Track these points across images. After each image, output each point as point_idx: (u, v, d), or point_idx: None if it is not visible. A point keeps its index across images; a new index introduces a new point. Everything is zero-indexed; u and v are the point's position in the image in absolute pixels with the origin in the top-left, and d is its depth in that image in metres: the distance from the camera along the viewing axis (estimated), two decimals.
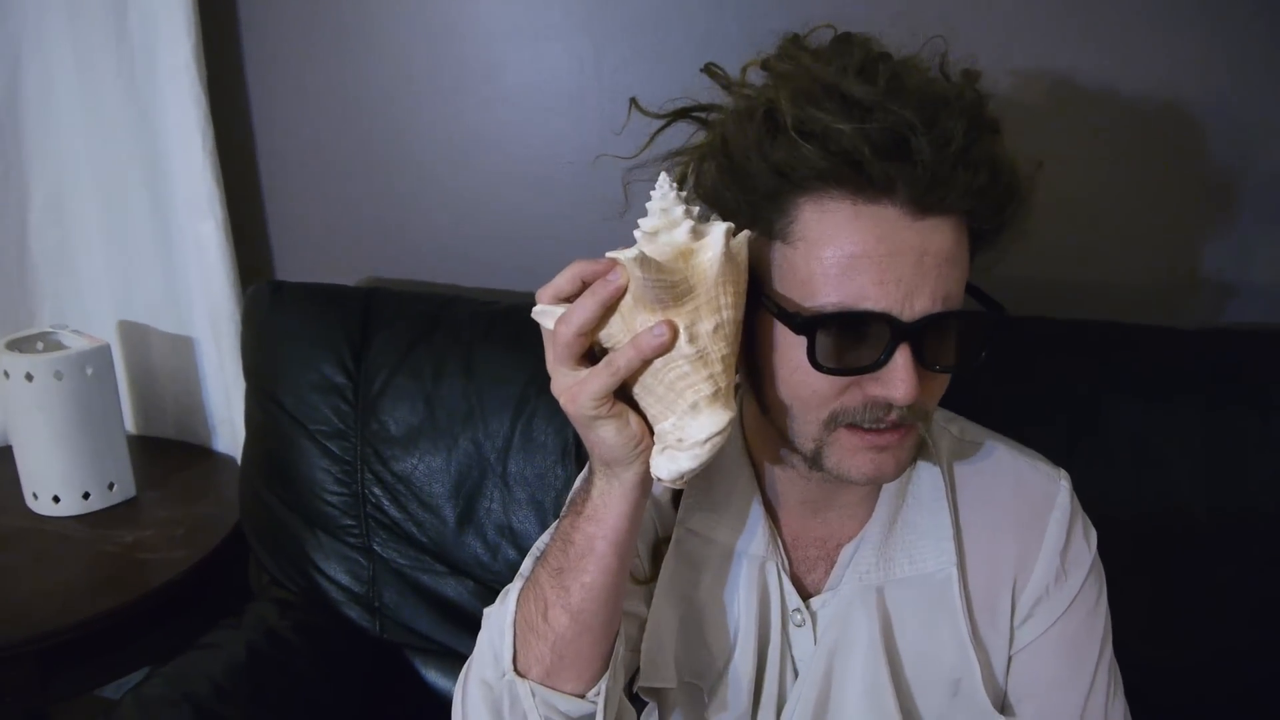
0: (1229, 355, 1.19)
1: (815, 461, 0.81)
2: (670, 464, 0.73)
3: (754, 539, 0.91)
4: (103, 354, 1.49)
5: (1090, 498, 0.92)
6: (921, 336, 0.74)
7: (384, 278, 1.60)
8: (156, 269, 1.65)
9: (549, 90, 1.45)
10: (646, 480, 0.77)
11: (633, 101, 0.89)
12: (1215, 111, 1.24)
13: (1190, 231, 1.30)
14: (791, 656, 0.92)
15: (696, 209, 0.74)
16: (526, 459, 1.31)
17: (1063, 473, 0.92)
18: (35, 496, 1.51)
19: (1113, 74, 1.25)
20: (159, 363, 1.73)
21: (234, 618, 1.34)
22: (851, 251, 0.73)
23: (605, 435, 0.74)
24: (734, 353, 0.74)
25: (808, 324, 0.74)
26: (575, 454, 1.29)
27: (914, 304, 0.73)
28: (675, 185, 0.74)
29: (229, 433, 1.70)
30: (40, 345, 1.52)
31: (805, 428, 0.80)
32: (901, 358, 0.74)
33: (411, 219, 1.57)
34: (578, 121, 1.45)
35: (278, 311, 1.41)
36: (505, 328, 1.35)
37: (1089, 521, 0.91)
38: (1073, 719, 0.89)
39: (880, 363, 0.74)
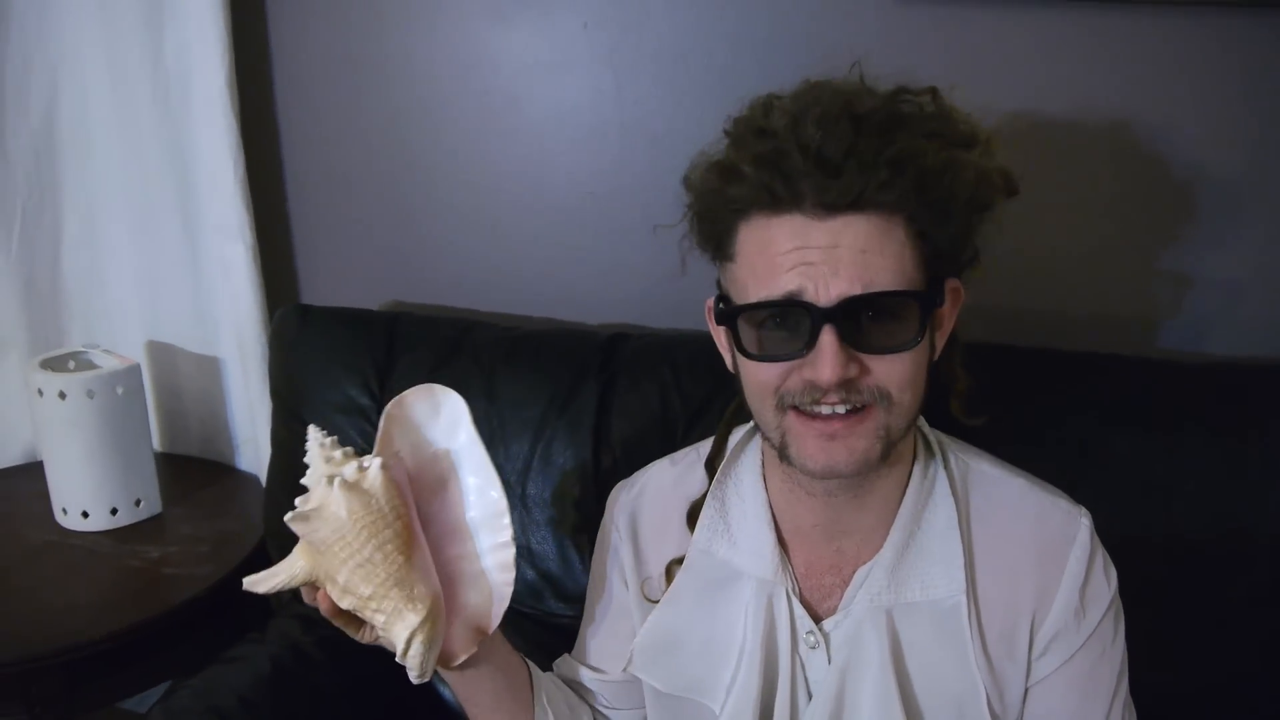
0: (1230, 387, 1.20)
1: (784, 453, 0.86)
2: (409, 671, 0.85)
3: (763, 563, 0.94)
4: (133, 374, 1.53)
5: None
6: (843, 319, 0.79)
7: (407, 302, 1.62)
8: (185, 291, 1.69)
9: (570, 121, 1.48)
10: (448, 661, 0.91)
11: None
12: (1215, 136, 1.26)
13: (1191, 263, 1.31)
14: (805, 679, 0.94)
15: (340, 457, 0.87)
16: (545, 481, 1.33)
17: (1084, 510, 0.93)
18: (64, 511, 1.53)
19: (1115, 103, 1.27)
20: (185, 382, 1.76)
21: (258, 633, 1.36)
22: (770, 253, 0.81)
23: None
24: (392, 570, 0.84)
25: (726, 315, 0.86)
26: (594, 477, 1.31)
27: (830, 288, 0.79)
28: (325, 441, 0.87)
29: (252, 451, 1.73)
30: (71, 364, 1.55)
31: (765, 416, 0.87)
32: (826, 339, 0.79)
33: (435, 245, 1.60)
34: (598, 152, 1.48)
35: (305, 334, 1.44)
36: (526, 352, 1.38)
37: (1109, 560, 0.92)
38: None
39: (806, 347, 0.80)
